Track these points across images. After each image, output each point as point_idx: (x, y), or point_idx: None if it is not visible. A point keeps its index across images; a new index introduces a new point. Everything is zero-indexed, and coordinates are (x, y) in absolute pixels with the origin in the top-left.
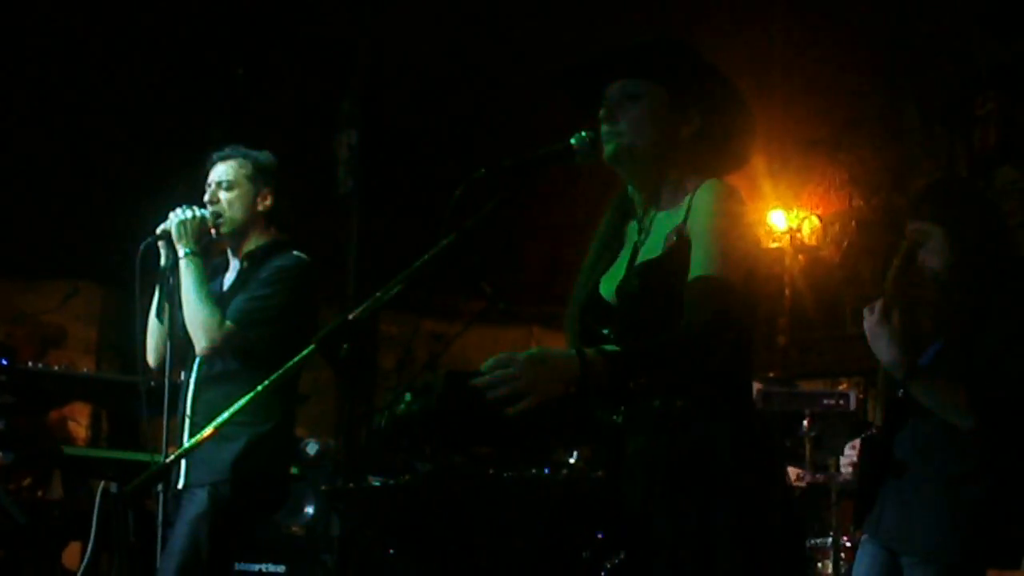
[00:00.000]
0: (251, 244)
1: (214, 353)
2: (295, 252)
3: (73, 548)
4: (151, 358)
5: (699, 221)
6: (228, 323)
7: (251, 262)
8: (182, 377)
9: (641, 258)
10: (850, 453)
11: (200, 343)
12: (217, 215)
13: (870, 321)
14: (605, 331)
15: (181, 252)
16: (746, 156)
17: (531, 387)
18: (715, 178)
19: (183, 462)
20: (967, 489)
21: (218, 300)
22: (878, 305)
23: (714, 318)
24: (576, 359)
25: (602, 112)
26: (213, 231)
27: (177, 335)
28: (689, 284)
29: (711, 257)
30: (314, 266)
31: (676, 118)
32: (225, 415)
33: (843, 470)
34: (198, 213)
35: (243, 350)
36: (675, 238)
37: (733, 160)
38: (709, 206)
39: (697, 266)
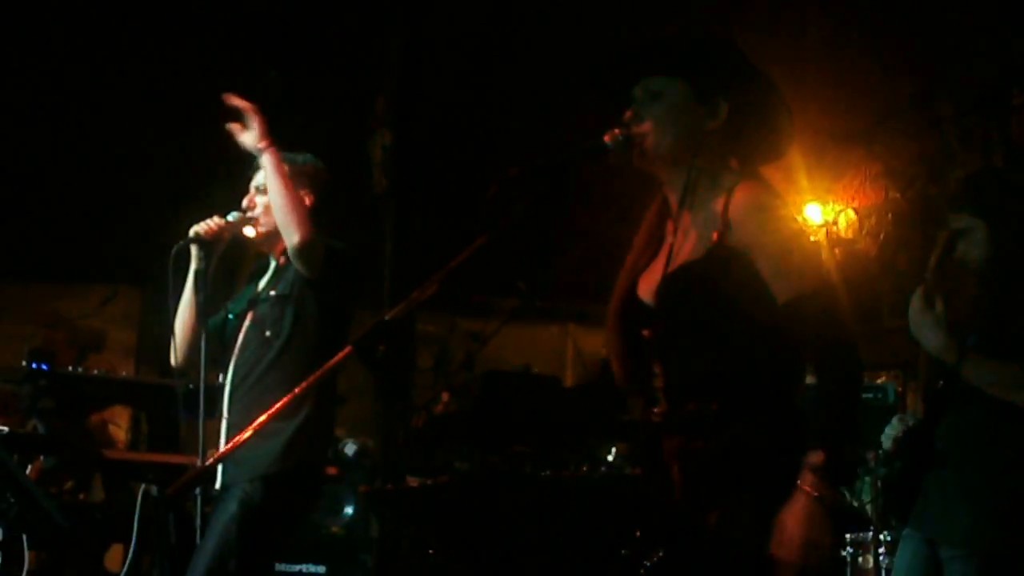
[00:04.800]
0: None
1: (304, 251)
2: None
3: (115, 550)
4: (175, 358)
5: (756, 234)
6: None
7: (288, 259)
8: (219, 380)
9: (678, 259)
10: (898, 426)
11: (292, 238)
12: (254, 217)
13: (914, 309)
14: (644, 333)
15: (262, 146)
16: (781, 146)
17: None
18: (750, 178)
19: (220, 464)
20: (1009, 479)
21: (256, 301)
22: (919, 291)
23: (843, 333)
24: (816, 507)
25: (627, 115)
26: (250, 229)
27: (212, 338)
28: (791, 305)
29: (795, 273)
30: (356, 253)
31: (701, 111)
32: (263, 417)
33: (885, 443)
34: (229, 217)
35: (325, 261)
36: (715, 240)
37: (768, 150)
38: (762, 217)
39: (786, 286)
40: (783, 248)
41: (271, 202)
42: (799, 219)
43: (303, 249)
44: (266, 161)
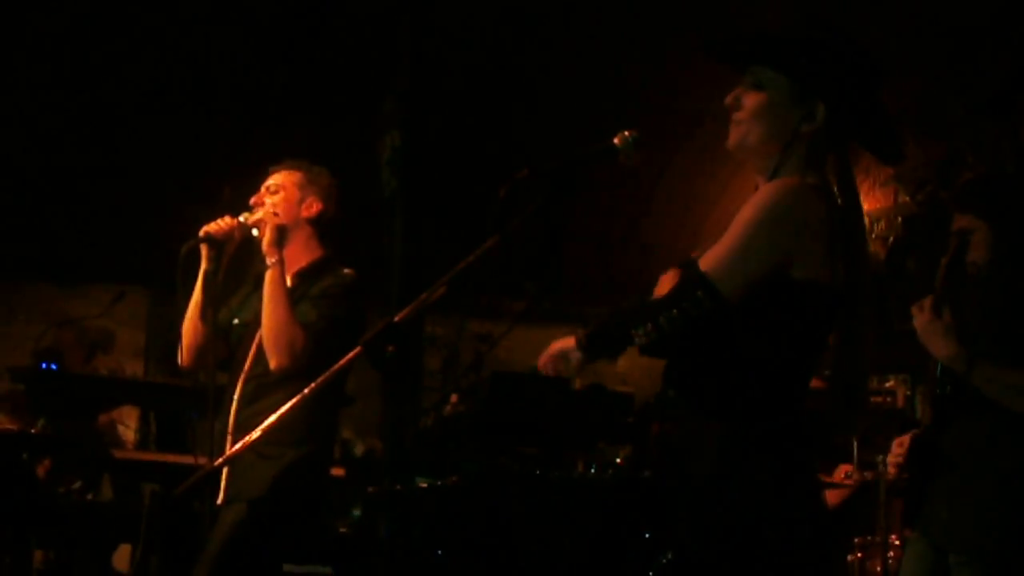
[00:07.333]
0: (299, 259)
1: (288, 370)
2: (344, 270)
3: (123, 550)
4: (183, 358)
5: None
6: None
7: (300, 281)
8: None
9: None
10: (897, 452)
11: (282, 359)
12: (259, 218)
13: (921, 319)
14: None
15: (270, 261)
16: (884, 149)
17: None
18: (790, 175)
19: (223, 480)
20: (1017, 486)
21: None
22: (927, 302)
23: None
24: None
25: (728, 98)
26: (255, 230)
27: (221, 338)
28: (685, 263)
29: (713, 248)
30: (362, 283)
31: (797, 112)
32: (272, 418)
33: (889, 468)
34: (240, 218)
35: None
36: None
37: (872, 151)
38: (746, 207)
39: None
40: (732, 229)
41: (263, 316)
42: (796, 220)
43: (278, 371)
44: (268, 276)
